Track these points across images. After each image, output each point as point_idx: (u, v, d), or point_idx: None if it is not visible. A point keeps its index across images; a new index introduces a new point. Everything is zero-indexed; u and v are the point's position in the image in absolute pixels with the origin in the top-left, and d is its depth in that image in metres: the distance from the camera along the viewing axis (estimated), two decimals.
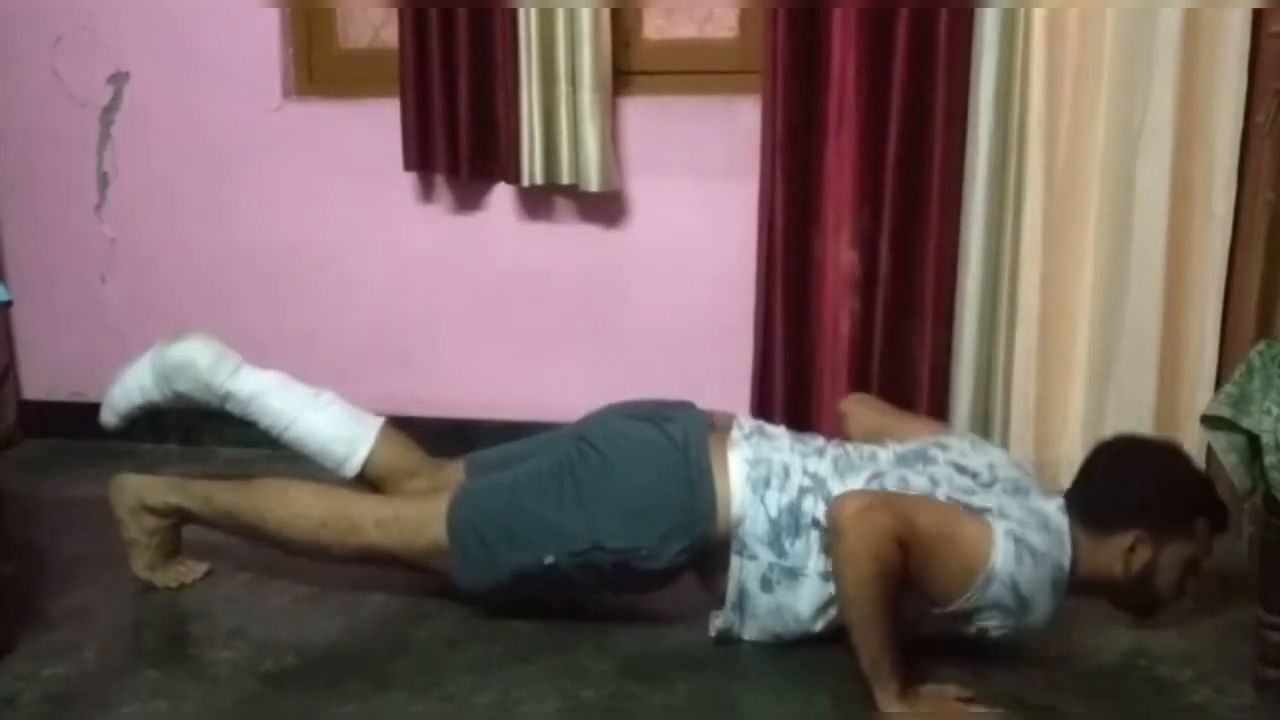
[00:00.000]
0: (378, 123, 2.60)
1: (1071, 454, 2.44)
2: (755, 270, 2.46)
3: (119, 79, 2.71)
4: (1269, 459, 1.50)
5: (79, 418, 2.85)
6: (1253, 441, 1.58)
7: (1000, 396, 2.40)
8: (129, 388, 2.16)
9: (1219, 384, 2.22)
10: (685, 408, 1.92)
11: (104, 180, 2.77)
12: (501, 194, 2.63)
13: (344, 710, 1.66)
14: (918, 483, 1.76)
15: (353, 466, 2.05)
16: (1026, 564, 1.64)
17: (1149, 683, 1.75)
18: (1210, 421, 1.64)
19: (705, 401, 2.17)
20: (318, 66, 2.70)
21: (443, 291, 2.71)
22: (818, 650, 1.80)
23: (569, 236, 2.63)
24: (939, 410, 2.40)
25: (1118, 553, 1.73)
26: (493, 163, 2.55)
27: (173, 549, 2.08)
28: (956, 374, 2.39)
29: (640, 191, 2.59)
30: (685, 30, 2.61)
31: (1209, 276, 2.33)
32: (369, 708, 1.67)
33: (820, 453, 1.85)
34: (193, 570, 2.08)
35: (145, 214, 2.78)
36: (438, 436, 2.56)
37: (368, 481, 2.07)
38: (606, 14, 2.44)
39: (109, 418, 2.21)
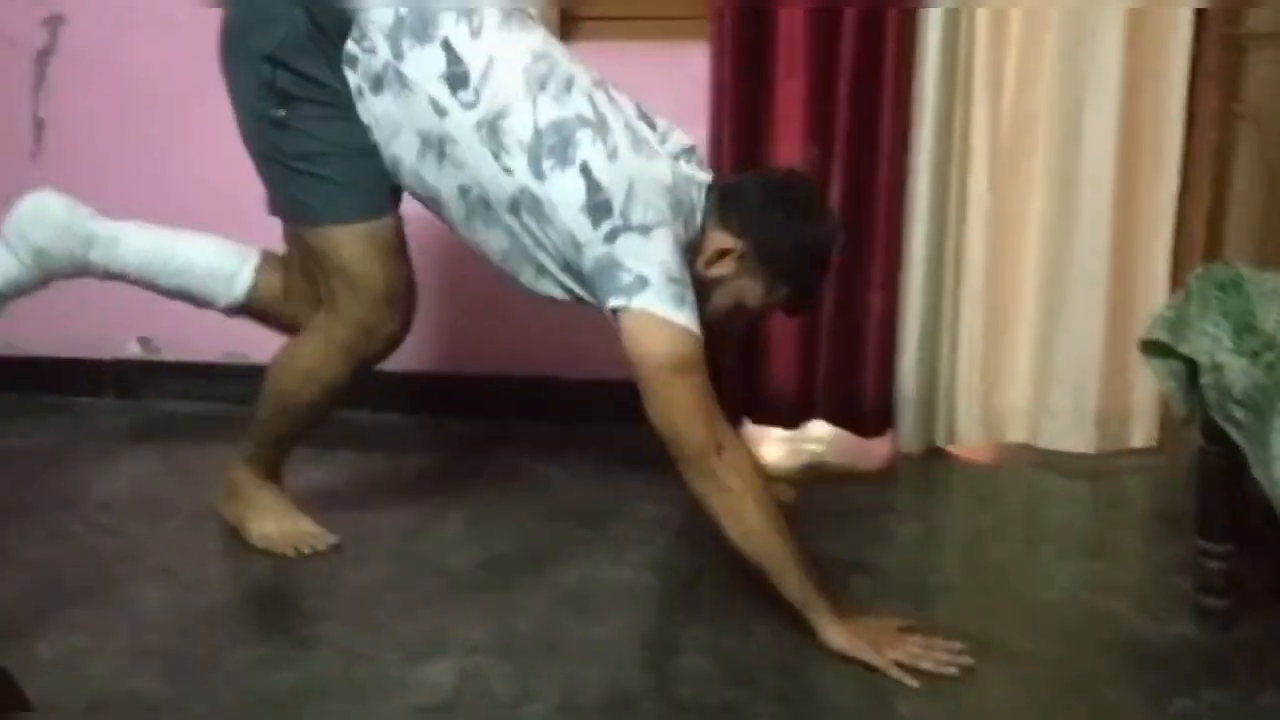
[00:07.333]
0: None
1: (1020, 402, 2.45)
2: None
3: (54, 21, 2.64)
4: (1205, 379, 1.49)
5: (15, 371, 2.79)
6: (1190, 367, 1.58)
7: (947, 344, 2.39)
8: None
9: None
10: None
11: (39, 126, 2.70)
12: None
13: (272, 642, 1.63)
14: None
15: (243, 281, 1.99)
16: (679, 278, 1.66)
17: (1089, 614, 1.74)
18: (1148, 347, 1.63)
19: None
20: None
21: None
22: (755, 585, 1.78)
23: None
24: (886, 358, 2.39)
25: (711, 248, 1.78)
26: None
27: (290, 509, 1.98)
28: (904, 319, 2.37)
29: None
30: None
31: (1157, 222, 2.32)
32: (299, 639, 1.64)
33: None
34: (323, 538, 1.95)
35: (82, 161, 2.70)
36: (401, 392, 2.56)
37: (255, 309, 2.03)
38: None
39: None
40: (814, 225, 1.83)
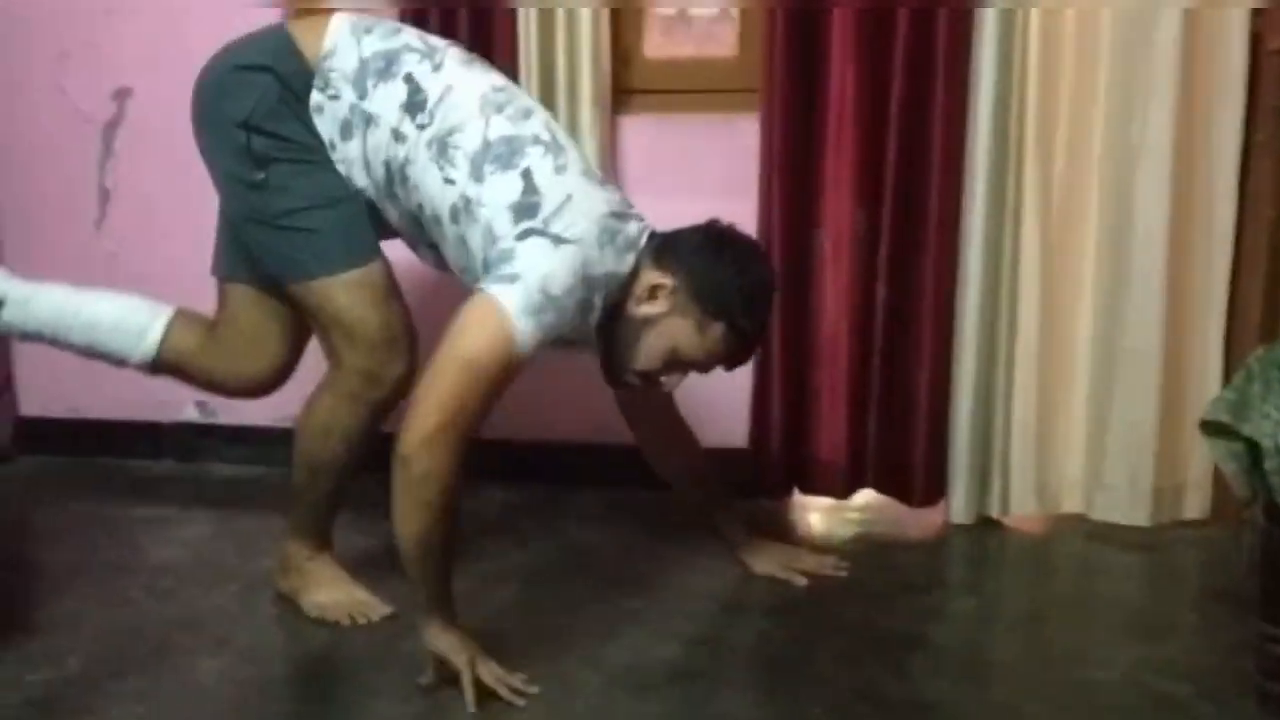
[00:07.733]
0: None
1: (1073, 477, 2.42)
2: None
3: (122, 95, 2.73)
4: (1269, 463, 1.48)
5: (76, 434, 2.85)
6: (1252, 448, 1.56)
7: (1000, 419, 2.37)
8: None
9: None
10: None
11: (105, 196, 2.77)
12: None
13: (327, 715, 1.64)
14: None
15: (153, 335, 2.00)
16: (555, 298, 1.64)
17: (1147, 696, 1.71)
18: (1209, 428, 1.62)
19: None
20: None
21: (439, 310, 2.69)
22: (808, 661, 1.78)
23: None
24: (938, 426, 2.38)
25: (644, 285, 1.77)
26: None
27: (343, 578, 2.01)
28: (956, 395, 2.36)
29: (639, 209, 2.57)
30: (685, 49, 2.62)
31: (1211, 295, 2.31)
32: (353, 714, 1.65)
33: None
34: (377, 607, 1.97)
35: (146, 230, 2.77)
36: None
37: (170, 365, 2.04)
38: (606, 30, 2.45)
39: None
40: (747, 266, 1.82)
